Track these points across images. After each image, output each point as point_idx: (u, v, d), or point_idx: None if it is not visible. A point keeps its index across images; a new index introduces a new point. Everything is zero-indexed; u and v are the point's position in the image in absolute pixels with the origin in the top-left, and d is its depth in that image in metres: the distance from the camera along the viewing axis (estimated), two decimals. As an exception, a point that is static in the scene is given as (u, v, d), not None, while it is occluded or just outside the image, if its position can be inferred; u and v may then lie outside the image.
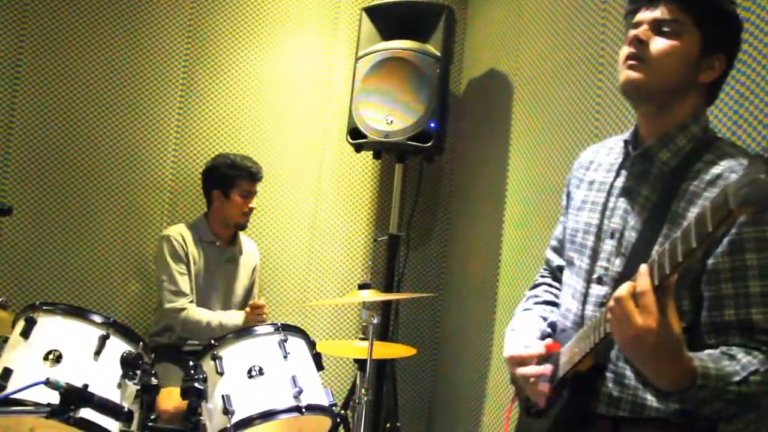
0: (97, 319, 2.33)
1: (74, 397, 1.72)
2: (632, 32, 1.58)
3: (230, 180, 3.48)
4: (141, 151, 3.87)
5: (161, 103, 3.91)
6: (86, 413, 1.90)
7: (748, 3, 2.04)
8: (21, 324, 2.27)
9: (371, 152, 4.02)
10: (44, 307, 2.31)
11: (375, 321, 2.82)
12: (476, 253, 3.84)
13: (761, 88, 2.00)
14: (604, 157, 1.80)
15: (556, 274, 1.99)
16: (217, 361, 2.40)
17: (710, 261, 1.45)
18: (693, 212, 1.47)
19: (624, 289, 1.30)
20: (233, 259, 3.56)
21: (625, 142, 1.72)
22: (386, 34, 3.81)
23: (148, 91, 3.89)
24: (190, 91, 3.96)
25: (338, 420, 2.50)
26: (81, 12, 3.79)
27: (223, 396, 2.32)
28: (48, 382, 1.68)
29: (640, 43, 1.56)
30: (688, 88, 1.58)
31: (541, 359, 1.66)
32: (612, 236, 1.65)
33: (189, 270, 3.41)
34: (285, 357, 2.44)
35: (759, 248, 1.41)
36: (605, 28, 2.79)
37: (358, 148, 3.87)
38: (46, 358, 2.18)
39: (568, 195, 1.90)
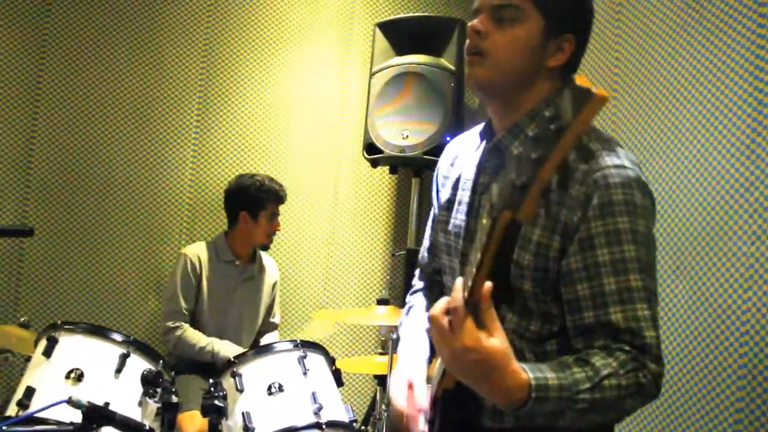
0: (118, 337, 2.35)
1: (96, 415, 1.73)
2: (470, 22, 1.47)
3: (259, 202, 3.46)
4: (159, 170, 3.90)
5: (178, 122, 3.95)
6: (108, 432, 1.91)
7: None
8: (43, 343, 2.30)
9: (387, 167, 4.02)
10: (65, 327, 2.34)
11: (394, 336, 2.81)
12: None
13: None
14: (469, 152, 1.64)
15: (431, 276, 1.86)
16: (236, 378, 2.41)
17: (563, 262, 1.35)
18: (564, 215, 1.35)
19: (437, 307, 1.20)
20: (252, 278, 3.56)
21: (480, 134, 1.59)
22: (400, 49, 3.82)
23: (165, 111, 3.93)
24: (206, 110, 3.99)
25: (359, 436, 2.49)
26: (99, 35, 3.85)
27: (243, 413, 2.32)
28: (70, 401, 1.69)
29: (477, 35, 1.44)
30: (536, 74, 1.45)
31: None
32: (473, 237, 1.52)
33: (199, 292, 3.40)
34: (305, 373, 2.44)
35: (609, 242, 1.30)
36: (619, 38, 2.78)
37: (375, 164, 3.87)
38: (68, 376, 2.20)
39: (437, 192, 1.76)
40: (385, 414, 2.88)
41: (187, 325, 3.32)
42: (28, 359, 2.38)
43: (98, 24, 3.85)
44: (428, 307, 1.77)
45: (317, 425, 2.32)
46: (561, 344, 1.40)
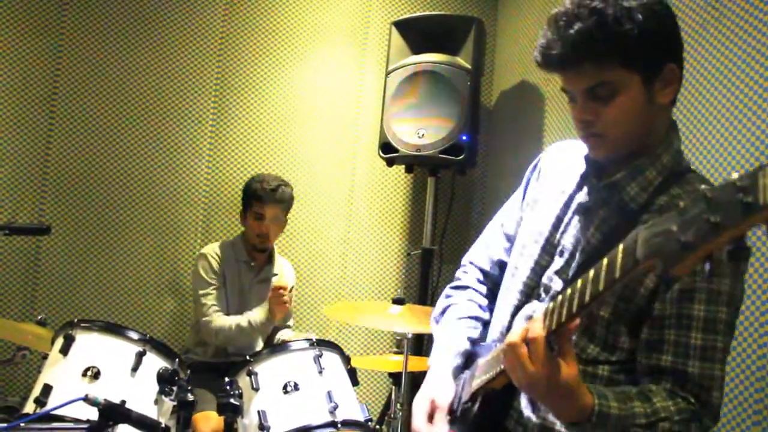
0: (134, 335, 2.36)
1: (112, 413, 1.74)
2: (573, 111, 1.44)
3: (246, 203, 3.47)
4: (175, 169, 3.92)
5: (194, 122, 3.96)
6: (124, 429, 1.91)
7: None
8: (60, 341, 2.31)
9: (403, 166, 4.02)
10: (82, 325, 2.35)
11: (410, 336, 2.80)
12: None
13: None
14: (572, 163, 1.60)
15: (488, 275, 1.81)
16: (252, 376, 2.41)
17: (657, 305, 1.36)
18: None
19: (516, 334, 1.25)
20: (267, 280, 3.55)
21: (586, 160, 1.53)
22: (416, 48, 3.81)
23: (181, 110, 3.94)
24: (222, 109, 4.00)
25: (374, 435, 2.48)
26: (115, 34, 3.86)
27: (258, 412, 2.32)
28: (87, 399, 1.70)
29: (587, 123, 1.41)
30: (654, 119, 1.43)
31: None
32: (561, 255, 1.52)
33: (225, 286, 3.40)
34: (320, 372, 2.44)
35: (709, 300, 1.33)
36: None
37: (390, 163, 3.87)
38: (84, 374, 2.22)
39: (527, 185, 1.75)
40: (400, 413, 2.88)
41: (216, 314, 3.30)
42: (45, 357, 2.40)
43: (115, 23, 3.87)
44: (478, 308, 1.76)
45: (332, 424, 2.32)
46: (613, 373, 1.43)
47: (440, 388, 1.61)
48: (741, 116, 2.16)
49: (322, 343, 2.55)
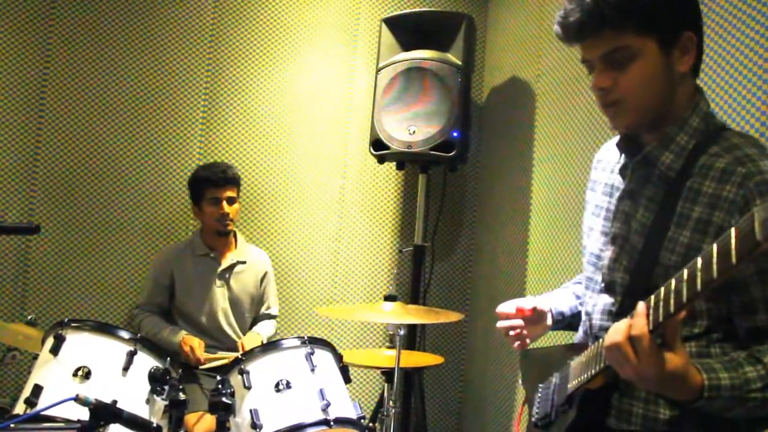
0: (125, 335, 2.35)
1: (104, 413, 1.73)
2: (592, 80, 1.47)
3: (197, 193, 3.54)
4: (165, 167, 3.90)
5: (184, 119, 3.94)
6: (115, 429, 1.91)
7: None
8: (50, 341, 2.30)
9: (394, 163, 4.01)
10: (73, 324, 2.33)
11: (402, 332, 2.79)
12: (502, 260, 3.81)
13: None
14: (611, 156, 1.69)
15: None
16: (244, 375, 2.40)
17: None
18: (697, 211, 1.38)
19: (620, 332, 1.25)
20: (231, 269, 3.55)
21: (618, 146, 1.61)
22: (406, 45, 3.81)
23: (171, 109, 3.92)
24: (212, 106, 3.98)
25: (367, 433, 2.48)
26: (104, 34, 3.84)
27: (251, 410, 2.32)
28: (78, 399, 1.69)
29: (605, 91, 1.44)
30: (674, 87, 1.44)
31: (527, 316, 1.77)
32: (614, 242, 1.57)
33: (172, 287, 3.51)
34: (312, 370, 2.43)
35: None
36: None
37: (381, 160, 3.86)
38: (75, 374, 2.20)
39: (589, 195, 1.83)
40: (393, 411, 2.87)
41: (145, 314, 3.49)
42: (36, 357, 2.38)
43: (104, 21, 3.84)
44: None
45: (325, 422, 2.31)
46: (701, 347, 1.42)
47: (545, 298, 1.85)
48: (729, 109, 2.17)
49: (314, 341, 2.54)
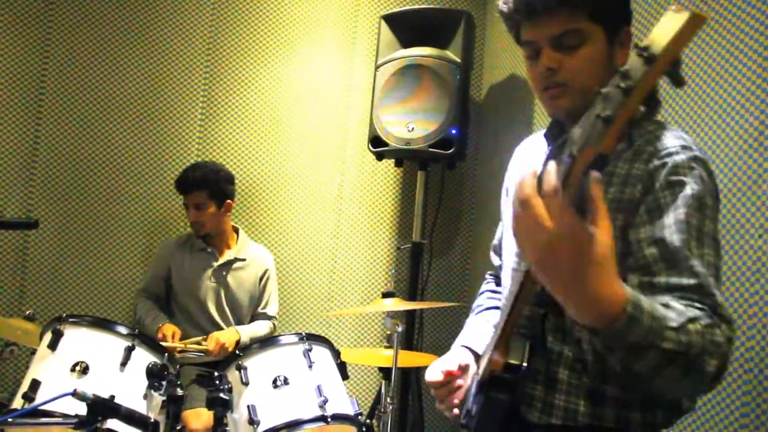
0: (123, 330, 2.35)
1: (101, 408, 1.73)
2: (531, 68, 1.45)
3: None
4: (163, 163, 3.90)
5: (183, 116, 3.94)
6: (113, 424, 1.91)
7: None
8: (48, 336, 2.30)
9: (393, 160, 4.02)
10: (71, 319, 2.34)
11: (400, 329, 2.80)
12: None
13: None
14: (530, 154, 1.70)
15: (498, 276, 1.85)
16: (241, 371, 2.41)
17: (631, 235, 1.32)
18: (611, 192, 1.36)
19: (528, 185, 1.03)
20: (229, 264, 3.55)
21: (545, 136, 1.59)
22: (405, 42, 3.81)
23: (169, 105, 3.92)
24: (211, 103, 3.98)
25: (364, 429, 2.48)
26: (103, 29, 3.84)
27: (248, 406, 2.32)
28: (75, 394, 1.69)
29: (551, 71, 1.41)
30: (608, 79, 1.41)
31: (456, 376, 1.62)
32: None
33: (169, 278, 3.52)
34: (310, 366, 2.44)
35: (677, 206, 1.30)
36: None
37: (380, 157, 3.86)
38: (73, 369, 2.21)
39: (507, 192, 1.80)
40: (390, 407, 2.88)
41: (141, 300, 3.52)
42: (34, 352, 2.38)
43: (103, 17, 3.84)
44: (491, 308, 1.82)
45: (322, 418, 2.32)
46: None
47: (470, 337, 1.72)
48: (728, 108, 2.17)
49: (312, 338, 2.55)
